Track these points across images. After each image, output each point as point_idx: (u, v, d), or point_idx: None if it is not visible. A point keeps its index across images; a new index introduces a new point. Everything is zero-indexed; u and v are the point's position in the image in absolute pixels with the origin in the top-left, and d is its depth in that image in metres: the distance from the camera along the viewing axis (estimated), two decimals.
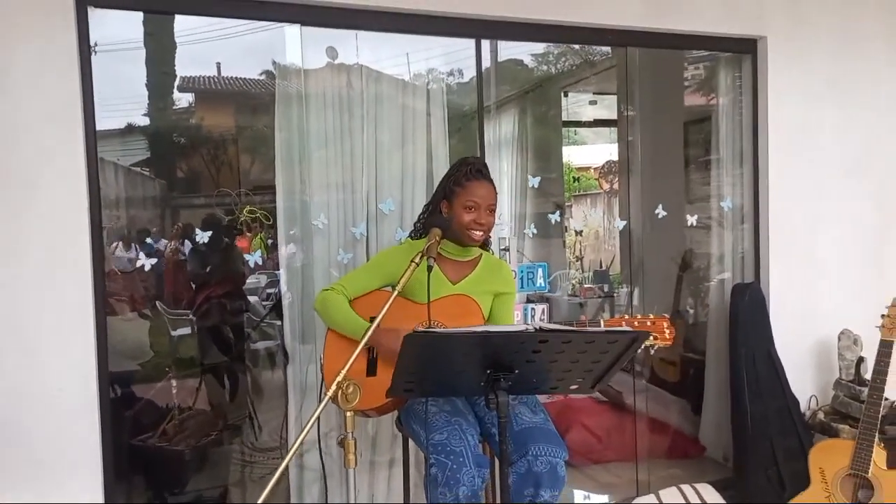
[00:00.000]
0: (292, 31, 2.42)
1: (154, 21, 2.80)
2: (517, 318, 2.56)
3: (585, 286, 6.38)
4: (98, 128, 2.18)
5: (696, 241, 3.60)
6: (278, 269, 2.47)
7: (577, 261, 6.75)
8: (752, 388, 2.82)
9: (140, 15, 2.50)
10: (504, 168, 5.99)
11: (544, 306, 2.63)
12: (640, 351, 1.77)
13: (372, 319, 1.98)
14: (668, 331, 1.76)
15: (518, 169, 5.81)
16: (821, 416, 2.84)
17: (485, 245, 2.13)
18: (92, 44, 2.16)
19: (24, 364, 2.03)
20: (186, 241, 5.71)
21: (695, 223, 3.00)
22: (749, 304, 2.89)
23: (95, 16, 2.12)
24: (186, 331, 5.13)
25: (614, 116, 5.52)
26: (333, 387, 1.53)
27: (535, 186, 2.96)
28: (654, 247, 4.17)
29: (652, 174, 4.26)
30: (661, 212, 2.96)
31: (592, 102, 6.07)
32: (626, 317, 1.81)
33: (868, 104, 3.06)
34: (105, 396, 2.16)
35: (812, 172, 2.98)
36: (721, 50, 3.02)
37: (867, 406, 2.15)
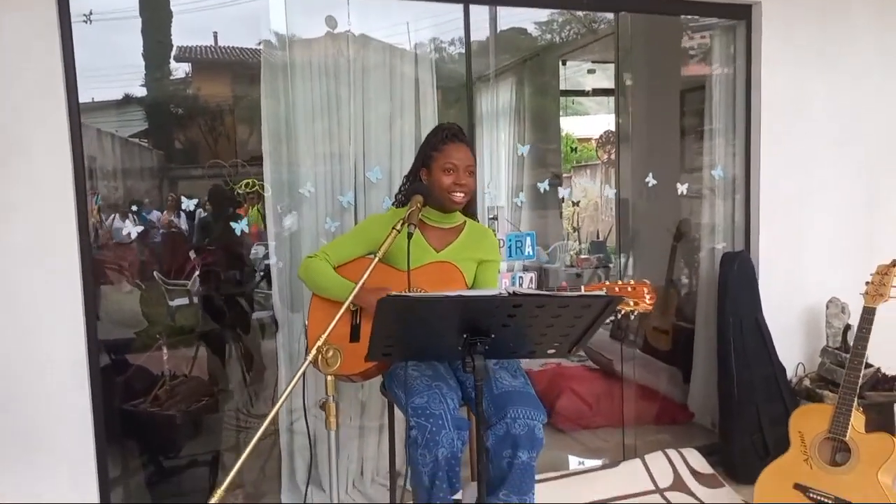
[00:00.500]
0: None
1: None
2: (505, 285, 2.58)
3: (582, 257, 6.41)
4: (97, 98, 2.18)
5: (691, 210, 3.60)
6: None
7: (574, 231, 6.76)
8: (738, 356, 2.85)
9: None
10: (502, 138, 5.98)
11: (532, 274, 2.64)
12: (627, 317, 1.79)
13: None
14: (648, 296, 1.76)
15: (515, 139, 5.79)
16: (807, 382, 2.87)
17: (469, 212, 2.15)
18: (87, 13, 2.15)
19: (13, 333, 2.07)
20: (181, 212, 5.73)
21: (685, 192, 2.99)
22: (738, 273, 2.90)
23: None
24: (184, 301, 5.19)
25: (619, 85, 5.47)
26: (314, 351, 1.56)
27: (524, 154, 2.94)
28: (649, 217, 4.18)
29: (647, 144, 4.24)
30: (651, 180, 2.95)
31: (591, 71, 6.00)
32: (608, 282, 1.82)
33: (859, 73, 3.02)
34: (95, 363, 2.20)
35: (803, 141, 2.96)
36: (715, 16, 2.99)
37: (848, 371, 2.17)
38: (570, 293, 1.36)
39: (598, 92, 5.76)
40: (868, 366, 2.84)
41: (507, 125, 5.94)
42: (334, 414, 1.66)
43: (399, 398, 1.82)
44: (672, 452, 2.91)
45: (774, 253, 2.97)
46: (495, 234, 2.25)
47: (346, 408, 2.69)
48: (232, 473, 1.34)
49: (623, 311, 1.75)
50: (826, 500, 2.10)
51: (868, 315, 2.22)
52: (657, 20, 3.42)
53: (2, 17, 1.98)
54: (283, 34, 2.44)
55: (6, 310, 2.05)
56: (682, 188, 2.99)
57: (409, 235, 1.70)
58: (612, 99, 5.54)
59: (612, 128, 5.77)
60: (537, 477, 2.70)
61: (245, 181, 2.62)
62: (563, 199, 6.31)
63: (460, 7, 2.55)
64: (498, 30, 5.86)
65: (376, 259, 1.69)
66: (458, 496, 1.82)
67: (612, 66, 5.29)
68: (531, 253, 2.63)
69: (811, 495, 2.14)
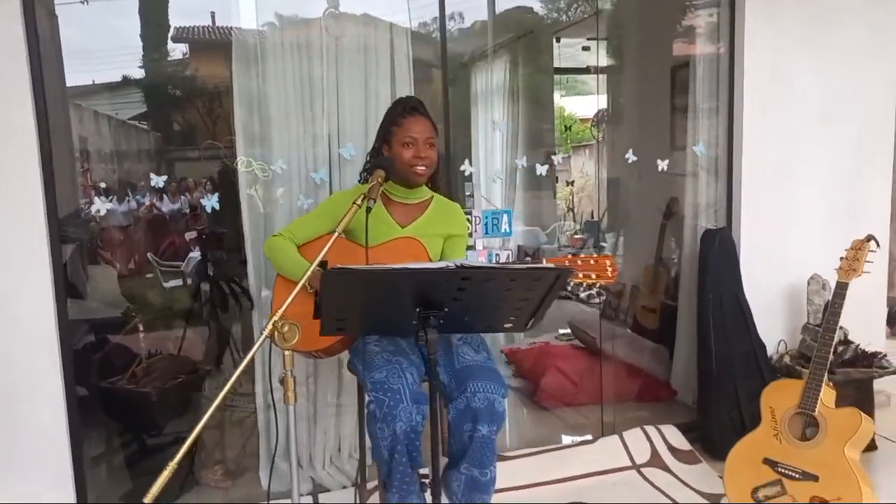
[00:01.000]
0: None
1: None
2: (480, 262, 2.58)
3: (576, 236, 6.40)
4: (96, 81, 2.17)
5: (681, 188, 3.58)
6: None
7: (568, 211, 6.74)
8: (718, 333, 2.84)
9: None
10: (496, 117, 5.94)
11: (508, 252, 2.63)
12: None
13: (321, 264, 2.01)
14: (610, 269, 1.81)
15: (509, 118, 5.74)
16: (787, 359, 2.87)
17: (436, 186, 2.13)
18: None
19: None
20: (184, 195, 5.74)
21: (664, 169, 2.97)
22: (718, 250, 2.89)
23: None
24: (178, 282, 5.22)
25: (610, 63, 5.41)
26: (269, 326, 1.56)
27: (502, 132, 2.90)
28: (640, 195, 4.16)
29: (638, 122, 4.21)
30: (631, 157, 2.92)
31: (586, 48, 5.92)
32: (570, 256, 1.83)
33: (845, 50, 2.98)
34: (67, 342, 2.21)
35: (787, 118, 2.93)
36: None
37: (819, 346, 2.16)
38: (517, 265, 1.35)
39: (592, 70, 5.69)
40: (848, 342, 2.84)
41: (500, 104, 5.90)
42: (292, 389, 1.65)
43: (360, 373, 1.82)
44: (650, 429, 2.92)
45: (756, 230, 2.96)
46: (465, 211, 2.24)
47: (324, 386, 2.70)
48: (164, 474, 1.34)
49: (585, 283, 1.78)
50: (793, 474, 2.10)
51: (841, 290, 2.20)
52: None
53: None
54: (284, 15, 2.43)
55: None
56: (662, 164, 2.96)
57: (368, 210, 1.70)
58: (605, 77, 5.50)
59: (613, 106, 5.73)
60: (514, 453, 2.76)
61: (240, 160, 2.60)
62: (556, 179, 6.29)
63: None
64: (499, 9, 5.82)
65: (335, 235, 1.69)
66: (426, 470, 1.83)
67: (606, 44, 5.25)
68: (507, 230, 2.62)
69: (780, 469, 2.14)
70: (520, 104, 5.79)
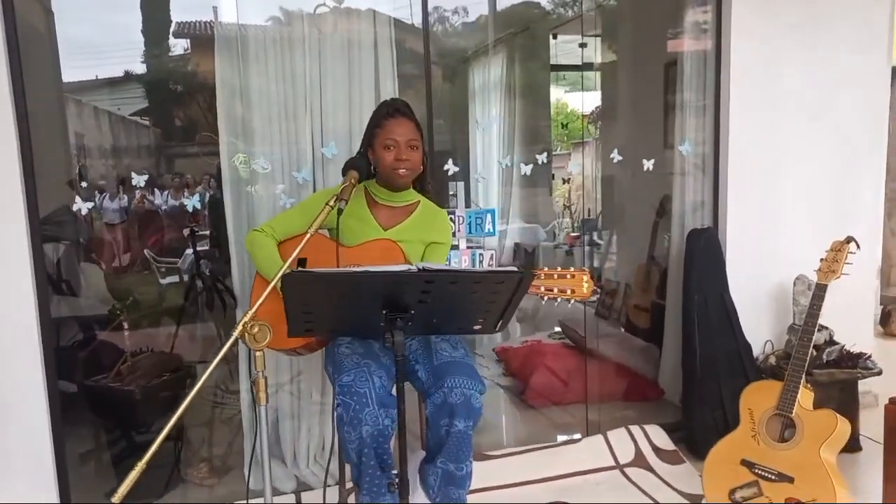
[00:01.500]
0: None
1: None
2: (465, 263, 2.58)
3: (572, 234, 6.38)
4: (99, 76, 2.16)
5: (673, 186, 3.58)
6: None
7: (565, 209, 6.72)
8: (703, 332, 2.84)
9: None
10: (493, 113, 5.93)
11: (492, 251, 2.63)
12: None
13: (300, 262, 2.01)
14: (586, 285, 1.76)
15: (505, 114, 5.74)
16: (772, 360, 2.86)
17: (423, 189, 2.13)
18: None
19: None
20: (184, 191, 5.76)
21: (650, 168, 2.96)
22: (703, 250, 2.88)
23: None
24: (174, 279, 5.24)
25: (605, 59, 5.40)
26: (239, 327, 1.57)
27: (488, 130, 2.88)
28: (633, 193, 4.16)
29: (630, 119, 4.20)
30: (616, 156, 2.92)
31: (582, 45, 5.90)
32: (547, 269, 1.80)
33: (832, 46, 2.96)
34: (48, 341, 2.22)
35: (774, 117, 2.92)
36: None
37: (797, 348, 2.16)
38: (479, 269, 1.35)
39: (587, 67, 5.67)
40: (833, 343, 2.83)
41: (497, 100, 5.90)
42: (264, 389, 1.66)
43: (331, 375, 1.83)
44: (635, 429, 2.93)
45: (743, 229, 2.95)
46: (449, 211, 2.24)
47: (308, 384, 2.71)
48: (133, 474, 1.36)
49: (559, 300, 1.76)
50: (769, 476, 2.10)
51: (820, 292, 2.19)
52: None
53: None
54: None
55: None
56: (647, 164, 2.95)
57: (340, 211, 1.70)
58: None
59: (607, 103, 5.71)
60: (498, 452, 2.77)
61: (237, 156, 2.60)
62: (553, 176, 6.28)
63: None
64: (501, 5, 5.81)
65: (308, 235, 1.69)
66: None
67: (601, 41, 5.24)
68: (492, 230, 2.61)
69: (756, 471, 2.14)
70: (516, 101, 5.79)
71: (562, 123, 6.71)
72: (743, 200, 2.93)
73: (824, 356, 2.76)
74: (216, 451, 2.97)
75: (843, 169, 3.06)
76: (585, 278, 1.78)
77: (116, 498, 1.44)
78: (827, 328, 2.83)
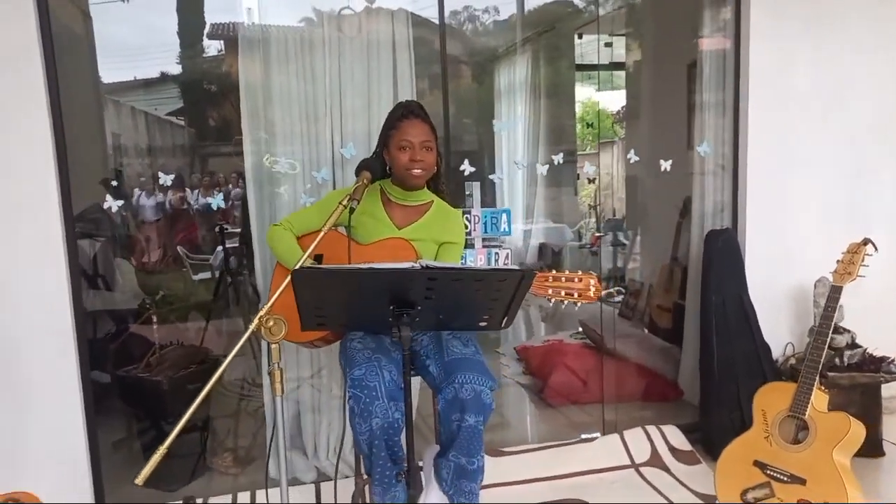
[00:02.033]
0: None
1: None
2: (480, 262, 2.62)
3: (596, 234, 6.35)
4: (136, 77, 2.24)
5: (693, 187, 3.57)
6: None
7: (590, 209, 6.70)
8: (720, 334, 2.83)
9: None
10: (518, 112, 5.95)
11: (508, 251, 2.67)
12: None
13: (317, 258, 2.08)
14: (593, 288, 1.77)
15: (530, 114, 5.76)
16: (793, 362, 2.84)
17: (439, 190, 2.17)
18: None
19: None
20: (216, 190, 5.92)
21: (668, 169, 2.95)
22: (722, 250, 2.87)
23: None
24: (206, 275, 5.40)
25: (630, 59, 5.37)
26: (255, 321, 1.64)
27: (510, 129, 2.90)
28: (657, 193, 4.14)
29: (653, 119, 4.18)
30: (633, 157, 2.93)
31: (608, 44, 5.88)
32: (554, 272, 1.83)
33: (849, 46, 2.92)
34: (82, 330, 2.33)
35: (792, 116, 2.89)
36: None
37: (811, 350, 2.15)
38: (480, 267, 1.38)
39: (612, 66, 5.64)
40: (855, 346, 2.79)
41: (522, 100, 5.92)
42: (279, 380, 1.73)
43: (344, 369, 1.89)
44: (651, 428, 2.93)
45: (762, 230, 2.93)
46: (464, 210, 2.27)
47: (329, 380, 2.79)
48: (155, 458, 1.43)
49: (565, 302, 1.79)
50: (781, 477, 2.10)
51: (835, 294, 2.18)
52: None
53: None
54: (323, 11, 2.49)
55: None
56: (665, 165, 2.95)
57: (351, 210, 1.76)
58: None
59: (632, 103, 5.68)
60: (513, 449, 2.80)
61: (268, 157, 2.69)
62: (577, 176, 6.26)
63: None
64: (529, 5, 5.82)
65: (322, 233, 1.76)
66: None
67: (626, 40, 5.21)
68: (507, 229, 2.65)
69: (769, 472, 2.14)
70: (541, 100, 5.80)
71: (587, 123, 6.69)
72: (762, 201, 2.91)
73: (845, 359, 2.72)
74: (241, 441, 3.07)
75: (862, 169, 3.02)
76: (592, 282, 1.80)
77: (139, 480, 1.53)
78: (849, 331, 2.79)
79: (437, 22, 2.66)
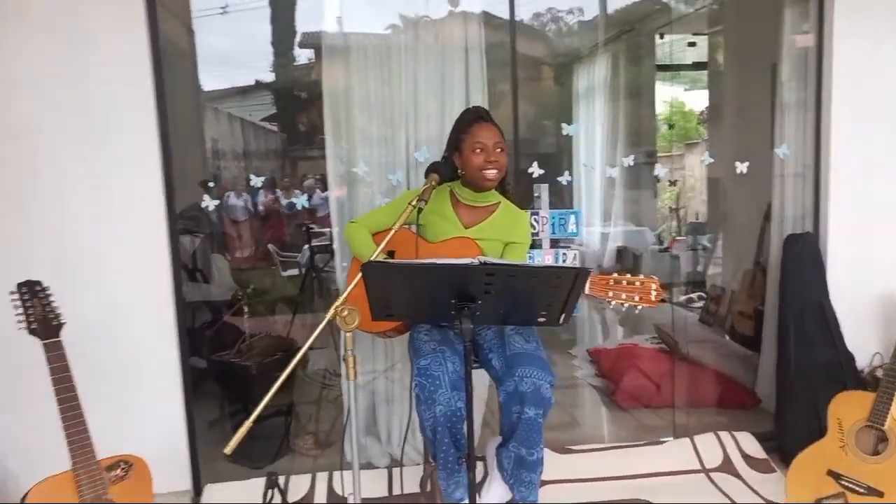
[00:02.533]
0: None
1: None
2: (547, 262, 2.68)
3: (677, 238, 6.21)
4: (232, 85, 2.45)
5: (773, 190, 3.46)
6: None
7: (672, 212, 6.55)
8: (798, 340, 2.75)
9: None
10: (597, 113, 5.91)
11: (576, 252, 2.71)
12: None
13: (389, 254, 2.21)
14: (654, 293, 1.76)
15: (609, 116, 5.71)
16: (879, 372, 2.71)
17: (504, 191, 2.26)
18: (223, 5, 2.44)
19: (107, 295, 2.44)
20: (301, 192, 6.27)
21: (744, 171, 2.89)
22: (801, 255, 2.78)
23: None
24: (294, 272, 5.73)
25: (713, 59, 5.24)
26: (331, 310, 1.79)
27: (570, 135, 2.92)
28: (741, 196, 4.03)
29: (735, 120, 4.08)
30: (707, 159, 2.89)
31: (691, 44, 5.75)
32: (616, 275, 1.83)
33: None
34: (182, 319, 2.56)
35: (877, 116, 2.76)
36: None
37: (892, 359, 2.06)
38: (535, 264, 1.45)
39: (696, 66, 5.52)
40: None
41: (601, 101, 5.88)
42: (353, 366, 1.87)
43: (411, 359, 2.01)
44: (724, 435, 2.88)
45: (845, 235, 2.81)
46: (532, 212, 2.34)
47: (402, 373, 2.92)
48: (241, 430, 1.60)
49: (625, 305, 1.80)
50: (857, 489, 2.04)
51: None
52: None
53: (88, 6, 2.32)
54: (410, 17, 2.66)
55: (100, 266, 2.44)
56: (741, 167, 2.89)
57: (419, 211, 1.88)
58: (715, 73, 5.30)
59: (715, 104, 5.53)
60: (580, 447, 2.84)
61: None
62: (657, 177, 6.14)
63: None
64: (612, 6, 5.79)
65: (392, 231, 1.88)
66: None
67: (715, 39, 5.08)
68: (575, 230, 2.70)
69: (843, 482, 2.08)
70: (621, 101, 5.74)
71: (668, 124, 6.54)
72: (846, 205, 2.80)
73: None
74: (321, 426, 3.27)
75: None
76: (654, 286, 1.78)
77: (228, 449, 1.70)
78: None
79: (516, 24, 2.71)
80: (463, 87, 2.71)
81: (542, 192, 2.67)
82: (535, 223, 2.66)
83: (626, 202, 6.09)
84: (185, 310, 2.64)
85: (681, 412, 3.15)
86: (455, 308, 1.61)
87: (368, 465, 2.84)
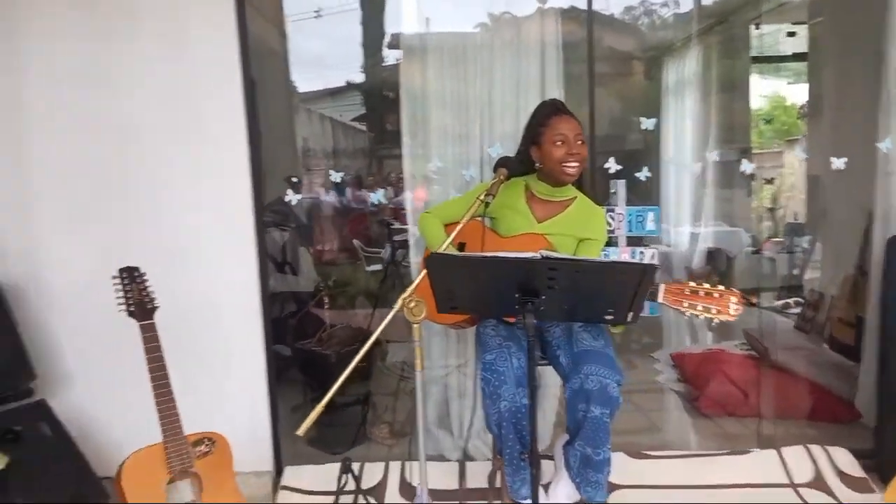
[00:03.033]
0: None
1: None
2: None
3: (775, 240, 5.86)
4: (325, 86, 2.58)
5: (876, 188, 3.20)
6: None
7: (768, 212, 6.19)
8: None
9: None
10: (686, 108, 5.68)
11: (654, 251, 2.63)
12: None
13: (460, 246, 2.24)
14: (733, 307, 1.68)
15: (701, 111, 5.47)
16: None
17: (580, 185, 2.22)
18: (317, 9, 2.55)
19: (199, 278, 2.58)
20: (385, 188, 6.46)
21: (842, 167, 2.69)
22: None
23: None
24: (377, 267, 5.90)
25: (814, 49, 4.89)
26: (399, 302, 1.83)
27: (648, 129, 2.82)
28: (842, 196, 3.76)
29: (836, 114, 3.81)
30: (800, 154, 2.72)
31: (791, 34, 5.39)
32: (692, 284, 1.74)
33: None
34: (267, 309, 2.69)
35: None
36: None
37: None
38: (599, 259, 1.42)
39: (795, 57, 5.17)
40: None
41: (691, 96, 5.64)
42: (420, 356, 1.91)
43: (478, 353, 2.03)
44: (816, 448, 2.70)
45: None
46: (608, 208, 2.28)
47: (475, 368, 2.94)
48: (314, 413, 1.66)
49: (702, 317, 1.72)
50: None
51: None
52: None
53: (185, 12, 2.47)
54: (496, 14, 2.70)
55: (196, 255, 2.57)
56: (837, 163, 2.69)
57: (486, 206, 1.88)
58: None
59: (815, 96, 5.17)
60: (658, 453, 2.75)
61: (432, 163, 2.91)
62: (751, 175, 5.81)
63: None
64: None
65: (461, 224, 1.89)
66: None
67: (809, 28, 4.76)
68: (654, 228, 2.62)
69: None
70: (713, 95, 5.48)
71: (764, 119, 6.17)
72: None
73: None
74: (397, 416, 3.35)
75: None
76: (734, 300, 1.69)
77: (300, 431, 1.79)
78: None
79: (603, 18, 2.67)
80: (539, 83, 2.69)
81: (619, 188, 2.61)
82: (610, 220, 2.60)
83: (719, 201, 5.80)
84: (273, 300, 2.77)
85: (767, 423, 2.98)
86: (519, 303, 1.61)
87: (441, 458, 2.88)
